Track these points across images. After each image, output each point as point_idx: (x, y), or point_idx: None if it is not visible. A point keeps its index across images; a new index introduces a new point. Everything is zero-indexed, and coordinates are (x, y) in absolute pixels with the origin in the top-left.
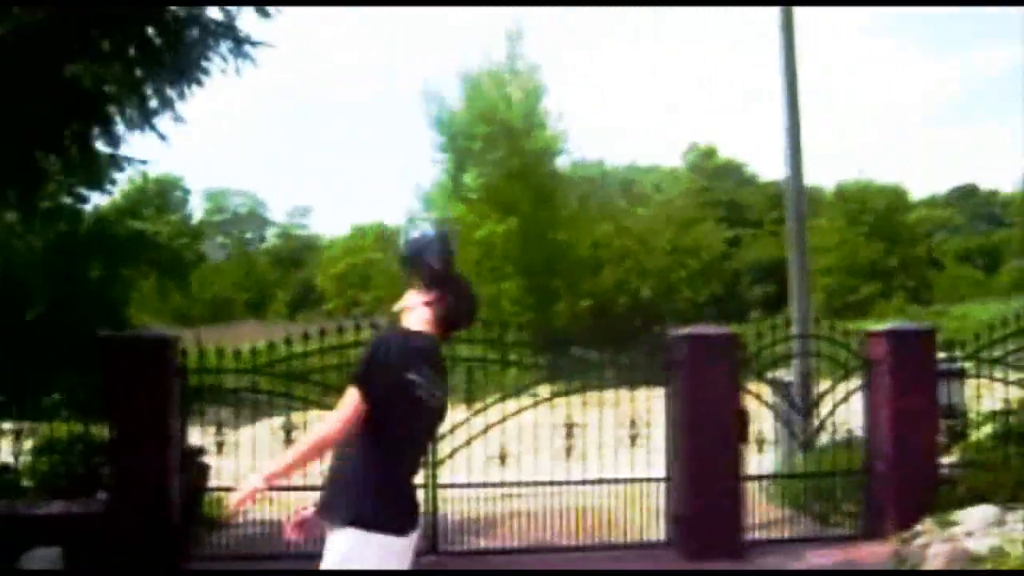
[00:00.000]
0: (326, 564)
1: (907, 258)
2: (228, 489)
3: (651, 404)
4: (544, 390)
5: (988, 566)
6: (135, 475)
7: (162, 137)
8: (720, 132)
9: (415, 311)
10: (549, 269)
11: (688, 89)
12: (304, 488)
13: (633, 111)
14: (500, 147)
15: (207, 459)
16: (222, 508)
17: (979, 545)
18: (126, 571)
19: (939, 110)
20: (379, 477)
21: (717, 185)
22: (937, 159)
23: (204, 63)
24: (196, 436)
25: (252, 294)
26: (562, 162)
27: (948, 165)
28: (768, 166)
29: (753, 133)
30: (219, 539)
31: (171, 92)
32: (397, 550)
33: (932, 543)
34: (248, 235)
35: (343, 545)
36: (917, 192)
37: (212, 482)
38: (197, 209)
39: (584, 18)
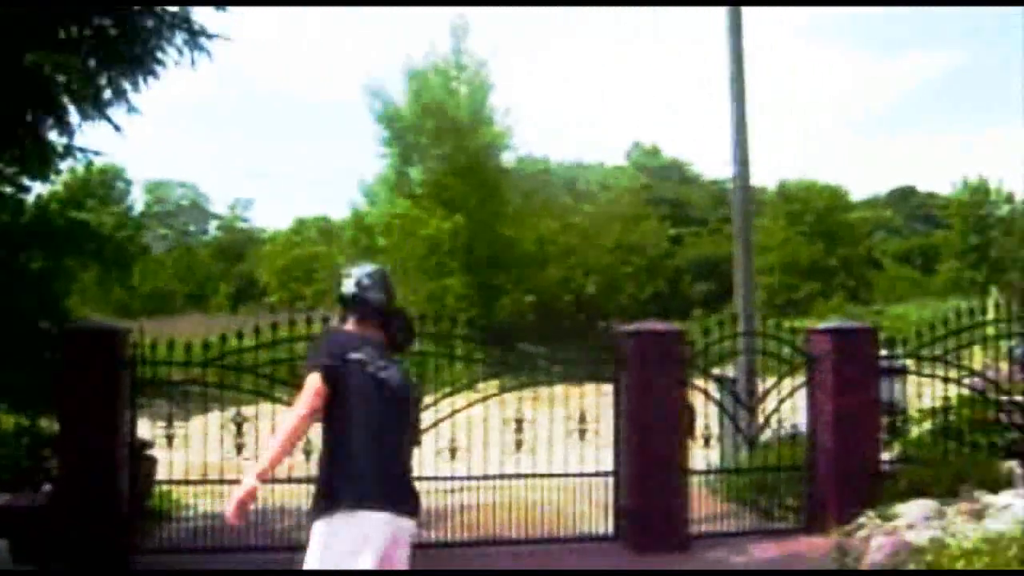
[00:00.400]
0: (307, 559)
1: (847, 258)
2: (176, 482)
3: (599, 399)
4: (493, 385)
5: (928, 558)
6: (83, 467)
7: (116, 128)
8: (665, 131)
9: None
10: (494, 265)
11: (634, 87)
12: (234, 482)
13: (578, 108)
14: (446, 143)
15: (154, 452)
16: (170, 501)
17: (919, 537)
18: (74, 564)
19: (878, 112)
20: (340, 463)
21: (661, 183)
22: (876, 161)
23: (159, 54)
24: (144, 428)
25: (193, 287)
26: (508, 158)
27: (887, 167)
28: (711, 165)
29: (697, 132)
30: (167, 532)
31: (126, 83)
32: (366, 526)
33: (873, 535)
34: (190, 227)
35: (314, 538)
36: (857, 193)
37: (161, 475)
38: (138, 201)
39: (532, 14)
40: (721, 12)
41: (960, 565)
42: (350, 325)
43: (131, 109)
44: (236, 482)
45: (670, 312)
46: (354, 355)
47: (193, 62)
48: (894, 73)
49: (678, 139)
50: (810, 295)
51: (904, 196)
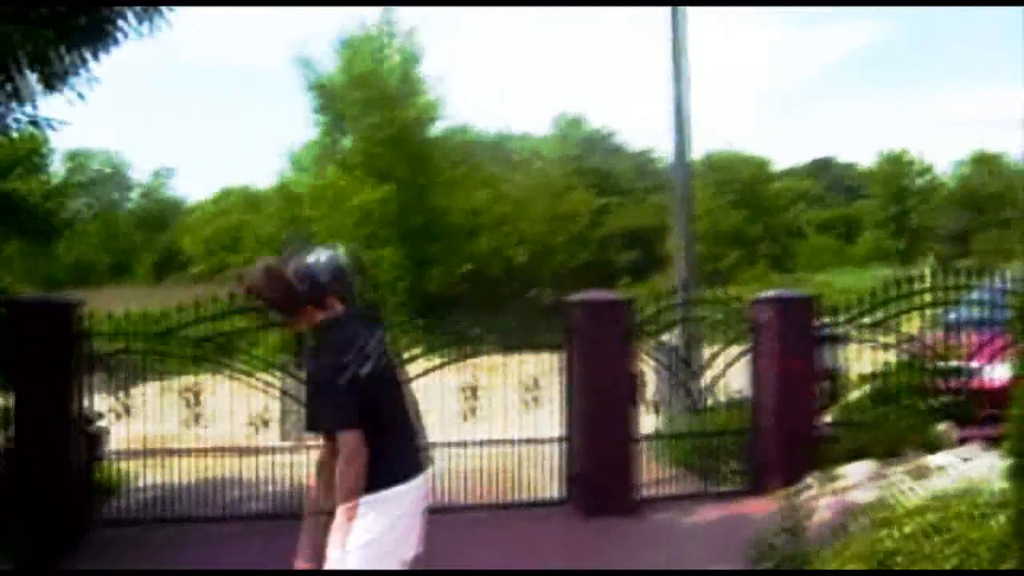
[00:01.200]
0: (353, 540)
1: (770, 227)
2: (123, 454)
3: (548, 367)
4: (433, 355)
5: (882, 515)
6: (37, 441)
7: (81, 97)
8: (591, 101)
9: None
10: (426, 235)
11: (558, 56)
12: (192, 452)
13: (502, 77)
14: (376, 112)
15: (103, 424)
16: (116, 474)
17: (864, 496)
18: (32, 538)
19: (799, 83)
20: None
21: (587, 154)
22: (797, 132)
23: (118, 24)
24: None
25: (116, 257)
26: (438, 127)
27: (807, 138)
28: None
29: (624, 102)
30: (119, 505)
31: (86, 53)
32: (404, 497)
33: (820, 496)
34: (112, 196)
35: (359, 522)
36: (778, 164)
37: (110, 447)
38: (58, 170)
39: None
40: None
41: (912, 520)
42: (333, 311)
43: (90, 80)
44: (185, 452)
45: (597, 281)
46: (368, 367)
47: (152, 31)
48: (815, 45)
49: (603, 109)
50: (735, 264)
51: (824, 167)
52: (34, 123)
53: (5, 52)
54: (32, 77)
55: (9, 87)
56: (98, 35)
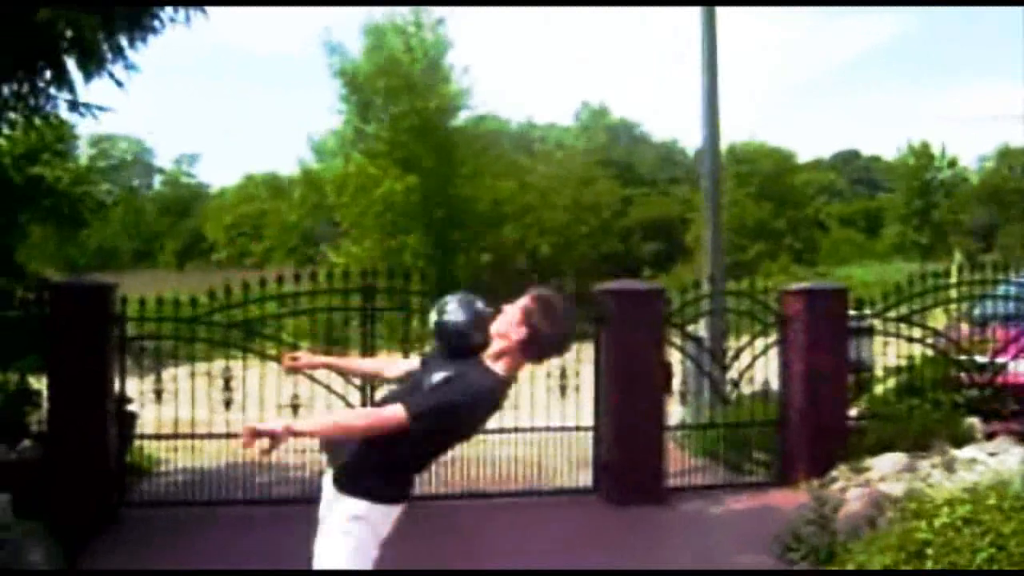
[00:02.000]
0: (336, 522)
1: (794, 220)
2: (154, 436)
3: (573, 356)
4: None
5: (913, 506)
6: (73, 423)
7: (120, 84)
8: (614, 91)
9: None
10: (450, 224)
11: (582, 46)
12: (223, 436)
13: (526, 66)
14: (402, 101)
15: (135, 407)
16: (146, 456)
17: (893, 488)
18: (72, 518)
19: (823, 75)
20: (394, 465)
21: (611, 144)
22: (820, 124)
23: (156, 11)
24: (131, 384)
25: (139, 243)
26: (463, 116)
27: (831, 130)
28: (660, 126)
29: (647, 92)
30: (149, 486)
31: (123, 40)
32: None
33: (849, 487)
34: (135, 182)
35: (355, 508)
36: (801, 156)
37: (141, 430)
38: (82, 155)
39: None
40: None
41: (944, 512)
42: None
43: (129, 67)
44: (207, 437)
45: (621, 272)
46: (476, 428)
47: (188, 19)
48: (838, 38)
49: (627, 99)
50: (758, 256)
51: (847, 159)
52: (74, 108)
53: (49, 37)
54: (72, 63)
55: (50, 72)
56: (137, 23)
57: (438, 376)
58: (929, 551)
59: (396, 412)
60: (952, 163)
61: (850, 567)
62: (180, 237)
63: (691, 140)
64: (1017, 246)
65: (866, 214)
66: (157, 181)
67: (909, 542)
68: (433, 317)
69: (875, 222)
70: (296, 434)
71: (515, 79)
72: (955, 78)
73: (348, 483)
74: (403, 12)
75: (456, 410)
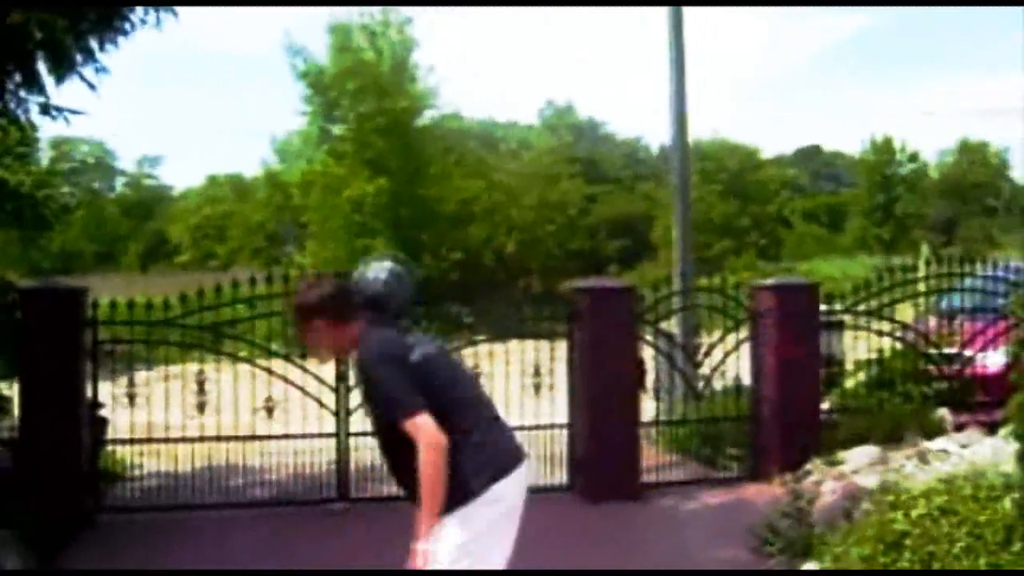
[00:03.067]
0: (443, 556)
1: (758, 216)
2: (128, 441)
3: (545, 354)
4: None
5: (889, 498)
6: (46, 428)
7: (91, 87)
8: (577, 89)
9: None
10: (418, 224)
11: (544, 44)
12: (194, 439)
13: (488, 64)
14: (369, 101)
15: (107, 411)
16: (117, 461)
17: (867, 481)
18: (46, 526)
19: (785, 72)
20: (464, 451)
21: (576, 142)
22: (782, 120)
23: (127, 14)
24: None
25: (101, 246)
26: (429, 116)
27: (792, 126)
28: (623, 122)
29: (609, 90)
30: (121, 492)
31: (93, 42)
32: (503, 495)
33: (823, 480)
34: (96, 185)
35: (450, 530)
36: (765, 152)
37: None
38: (43, 158)
39: None
40: None
41: (920, 503)
42: (376, 325)
43: (100, 69)
44: (176, 441)
45: (587, 269)
46: (419, 351)
47: (159, 22)
48: (800, 35)
49: (590, 97)
50: (723, 253)
51: (809, 155)
52: (46, 111)
53: (22, 39)
54: (43, 67)
55: (20, 75)
56: (107, 25)
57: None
58: (907, 542)
59: (417, 425)
60: (913, 157)
61: (827, 559)
62: (143, 239)
63: (655, 138)
64: (977, 239)
65: (829, 209)
66: (119, 183)
67: (887, 533)
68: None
69: (838, 217)
70: (429, 532)
71: (475, 77)
72: (915, 73)
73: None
74: (371, 11)
75: (380, 377)
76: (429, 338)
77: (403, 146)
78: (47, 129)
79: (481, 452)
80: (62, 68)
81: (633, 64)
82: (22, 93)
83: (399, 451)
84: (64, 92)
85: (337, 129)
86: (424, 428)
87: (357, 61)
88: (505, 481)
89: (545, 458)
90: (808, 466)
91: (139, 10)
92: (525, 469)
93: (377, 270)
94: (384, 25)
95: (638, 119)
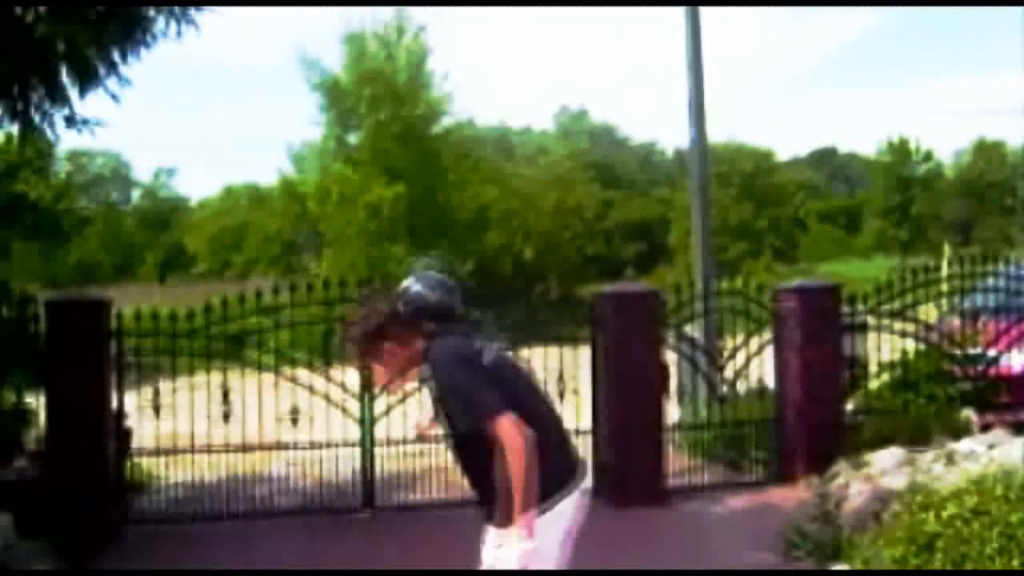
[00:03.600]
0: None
1: (774, 218)
2: (153, 453)
3: (568, 360)
4: None
5: (919, 499)
6: (72, 439)
7: (115, 99)
8: (590, 93)
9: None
10: (435, 231)
11: (557, 49)
12: (219, 449)
13: (501, 70)
14: (384, 109)
15: (131, 422)
16: (141, 472)
17: (895, 482)
18: (74, 537)
19: (798, 73)
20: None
21: (592, 148)
22: (796, 122)
23: (149, 26)
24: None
25: (118, 257)
26: (445, 123)
27: (806, 128)
28: (638, 128)
29: (625, 95)
30: (147, 502)
31: (115, 55)
32: (565, 512)
33: (850, 483)
34: (113, 197)
35: (516, 540)
36: (780, 154)
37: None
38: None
39: None
40: None
41: (951, 504)
42: (440, 336)
43: (123, 81)
44: (213, 450)
45: (603, 274)
46: (489, 355)
47: (180, 34)
48: (813, 35)
49: (603, 102)
50: (739, 256)
51: (825, 157)
52: (71, 123)
53: (46, 52)
54: (68, 79)
55: (44, 88)
56: (129, 37)
57: (427, 373)
58: (939, 543)
59: (500, 426)
60: (928, 157)
61: (857, 562)
62: (160, 250)
63: (669, 142)
64: (995, 239)
65: (845, 211)
66: (135, 195)
67: (918, 534)
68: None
69: (854, 218)
70: (530, 521)
71: (489, 83)
72: (929, 72)
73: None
74: (384, 19)
75: (457, 383)
76: (494, 341)
77: (419, 153)
78: (63, 142)
79: (552, 466)
80: (86, 80)
81: (646, 68)
82: (46, 105)
83: (478, 462)
84: (86, 104)
85: (353, 138)
86: (510, 428)
87: (372, 69)
88: (569, 499)
89: None
90: (834, 468)
91: (161, 22)
92: (583, 487)
93: (428, 281)
94: (398, 33)
95: (651, 123)
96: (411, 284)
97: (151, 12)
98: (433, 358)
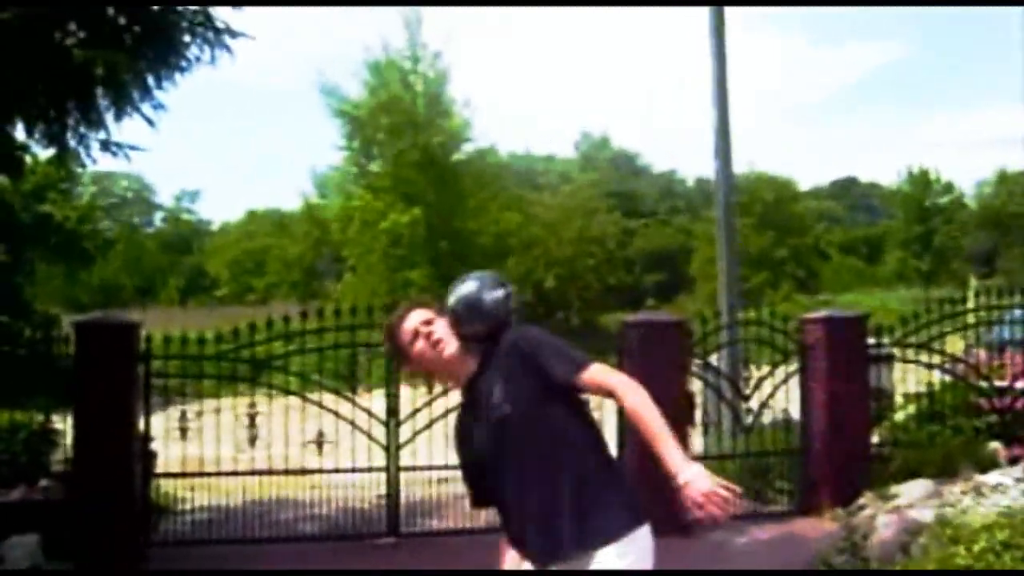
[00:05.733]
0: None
1: (795, 248)
2: (176, 475)
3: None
4: None
5: (948, 531)
6: (99, 462)
7: (151, 123)
8: (613, 122)
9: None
10: (455, 258)
11: (584, 77)
12: (243, 473)
13: (524, 97)
14: (404, 137)
15: (157, 445)
16: (165, 495)
17: (923, 515)
18: (100, 560)
19: (819, 102)
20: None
21: (611, 175)
22: (816, 151)
23: (184, 51)
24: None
25: (140, 280)
26: (466, 149)
27: (828, 157)
28: (659, 156)
29: (648, 124)
30: (174, 526)
31: (150, 79)
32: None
33: (877, 515)
34: (135, 220)
35: (644, 542)
36: (801, 183)
37: (164, 469)
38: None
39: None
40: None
41: (982, 537)
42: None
43: (157, 106)
44: (239, 474)
45: (625, 303)
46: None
47: (213, 59)
48: (833, 65)
49: (624, 130)
50: (760, 286)
51: (846, 186)
52: (107, 148)
53: (81, 77)
54: (103, 103)
55: (80, 112)
56: (164, 62)
57: (507, 347)
58: None
59: (601, 368)
60: (948, 188)
61: None
62: (182, 274)
63: (690, 170)
64: (1018, 270)
65: (866, 241)
66: (158, 218)
67: (949, 567)
68: (464, 307)
69: (875, 249)
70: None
71: (511, 110)
72: (950, 104)
73: (600, 532)
74: (399, 48)
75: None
76: None
77: (440, 180)
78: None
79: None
80: (122, 105)
81: (666, 95)
82: (82, 129)
83: (553, 477)
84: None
85: (374, 165)
86: (610, 369)
87: (390, 98)
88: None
89: None
90: (861, 500)
91: (195, 48)
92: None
93: (487, 284)
94: (414, 61)
95: (672, 150)
96: (471, 290)
97: (186, 38)
98: (511, 336)
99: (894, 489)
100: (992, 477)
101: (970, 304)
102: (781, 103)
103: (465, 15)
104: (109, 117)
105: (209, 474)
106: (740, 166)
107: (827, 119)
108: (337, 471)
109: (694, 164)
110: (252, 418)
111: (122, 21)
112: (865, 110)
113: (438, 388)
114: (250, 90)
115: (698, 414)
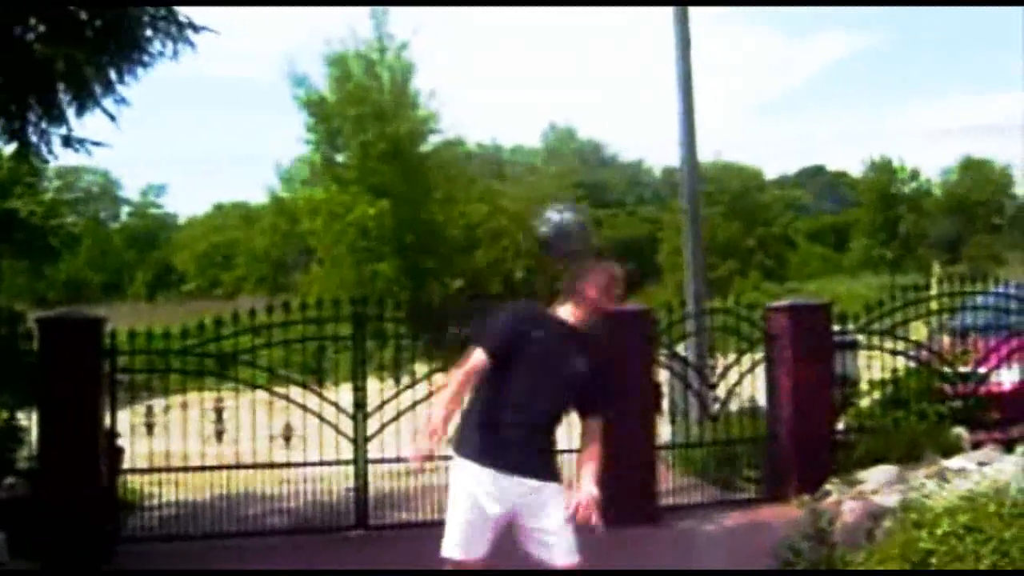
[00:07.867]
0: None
1: (763, 237)
2: (143, 471)
3: None
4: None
5: (912, 516)
6: (65, 458)
7: (112, 118)
8: (580, 112)
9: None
10: (423, 249)
11: (550, 67)
12: (211, 468)
13: (489, 87)
14: (370, 128)
15: (121, 441)
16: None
17: (887, 500)
18: (65, 556)
19: (786, 93)
20: (477, 416)
21: (578, 166)
22: (784, 140)
23: (146, 46)
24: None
25: (107, 275)
26: (431, 141)
27: (794, 147)
28: (625, 146)
29: (612, 112)
30: (138, 522)
31: (112, 74)
32: (480, 478)
33: (843, 501)
34: (101, 214)
35: (452, 468)
36: (768, 173)
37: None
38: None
39: None
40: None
41: (944, 522)
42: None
43: (120, 100)
44: (197, 469)
45: None
46: (532, 334)
47: (176, 54)
48: (800, 55)
49: (591, 120)
50: (728, 275)
51: (813, 175)
52: (68, 143)
53: (44, 71)
54: (65, 98)
55: (41, 107)
56: (127, 57)
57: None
58: (933, 560)
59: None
60: (914, 176)
61: None
62: (149, 268)
63: (657, 160)
64: (982, 257)
65: (833, 229)
66: (124, 212)
67: (911, 552)
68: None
69: (842, 237)
70: (439, 426)
71: (478, 100)
72: (915, 93)
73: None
74: (366, 39)
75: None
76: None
77: (406, 172)
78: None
79: (482, 430)
80: (83, 100)
81: (632, 86)
82: (43, 124)
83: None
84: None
85: (341, 157)
86: (471, 359)
87: (355, 89)
88: (477, 466)
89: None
90: (826, 486)
91: (157, 42)
92: (496, 474)
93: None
94: (380, 52)
95: (638, 140)
96: (563, 219)
97: (148, 32)
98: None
99: (860, 475)
100: (956, 462)
101: (934, 291)
102: (748, 94)
103: (432, 7)
104: (71, 112)
105: (177, 469)
106: (707, 156)
107: (796, 109)
108: (305, 464)
109: (661, 154)
110: (219, 413)
111: (83, 16)
112: (833, 100)
113: (405, 381)
114: (217, 82)
115: (665, 403)
